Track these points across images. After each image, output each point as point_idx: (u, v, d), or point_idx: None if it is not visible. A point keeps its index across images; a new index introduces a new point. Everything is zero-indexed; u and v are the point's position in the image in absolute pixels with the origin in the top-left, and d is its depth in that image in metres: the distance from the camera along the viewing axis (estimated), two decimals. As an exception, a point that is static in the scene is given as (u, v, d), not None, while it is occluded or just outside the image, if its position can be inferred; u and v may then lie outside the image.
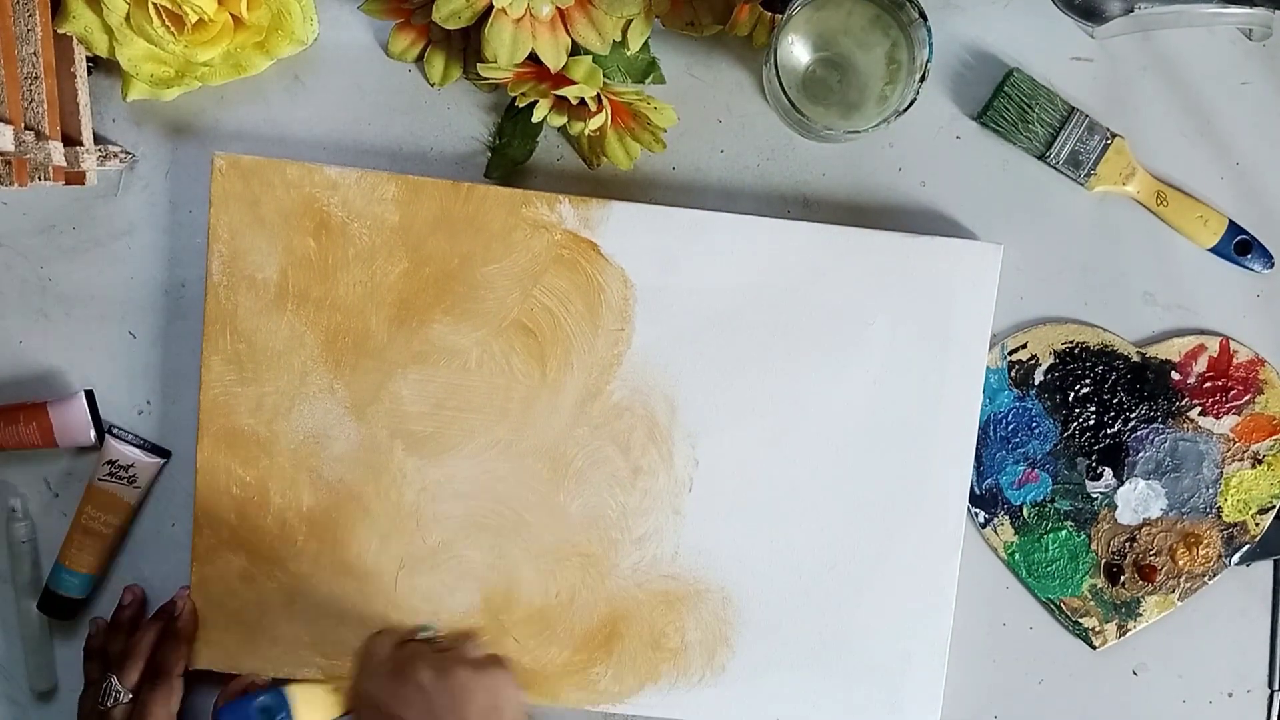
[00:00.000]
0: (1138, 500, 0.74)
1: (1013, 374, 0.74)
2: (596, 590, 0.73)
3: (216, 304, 0.71)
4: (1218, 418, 0.74)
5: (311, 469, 0.72)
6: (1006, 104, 0.72)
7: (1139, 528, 0.74)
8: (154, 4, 0.64)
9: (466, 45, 0.71)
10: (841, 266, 0.71)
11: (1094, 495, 0.74)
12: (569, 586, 0.73)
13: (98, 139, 0.72)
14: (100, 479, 0.73)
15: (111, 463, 0.72)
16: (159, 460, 0.74)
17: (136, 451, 0.73)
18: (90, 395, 0.73)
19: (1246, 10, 0.71)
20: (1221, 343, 0.74)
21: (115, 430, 0.74)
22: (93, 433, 0.73)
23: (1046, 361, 0.74)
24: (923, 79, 0.64)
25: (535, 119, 0.66)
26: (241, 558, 0.72)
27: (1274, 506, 0.75)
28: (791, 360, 0.72)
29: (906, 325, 0.71)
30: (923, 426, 0.72)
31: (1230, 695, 0.76)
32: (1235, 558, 0.75)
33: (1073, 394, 0.74)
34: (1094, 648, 0.75)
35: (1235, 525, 0.75)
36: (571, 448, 0.72)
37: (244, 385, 0.71)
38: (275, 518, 0.72)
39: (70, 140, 0.69)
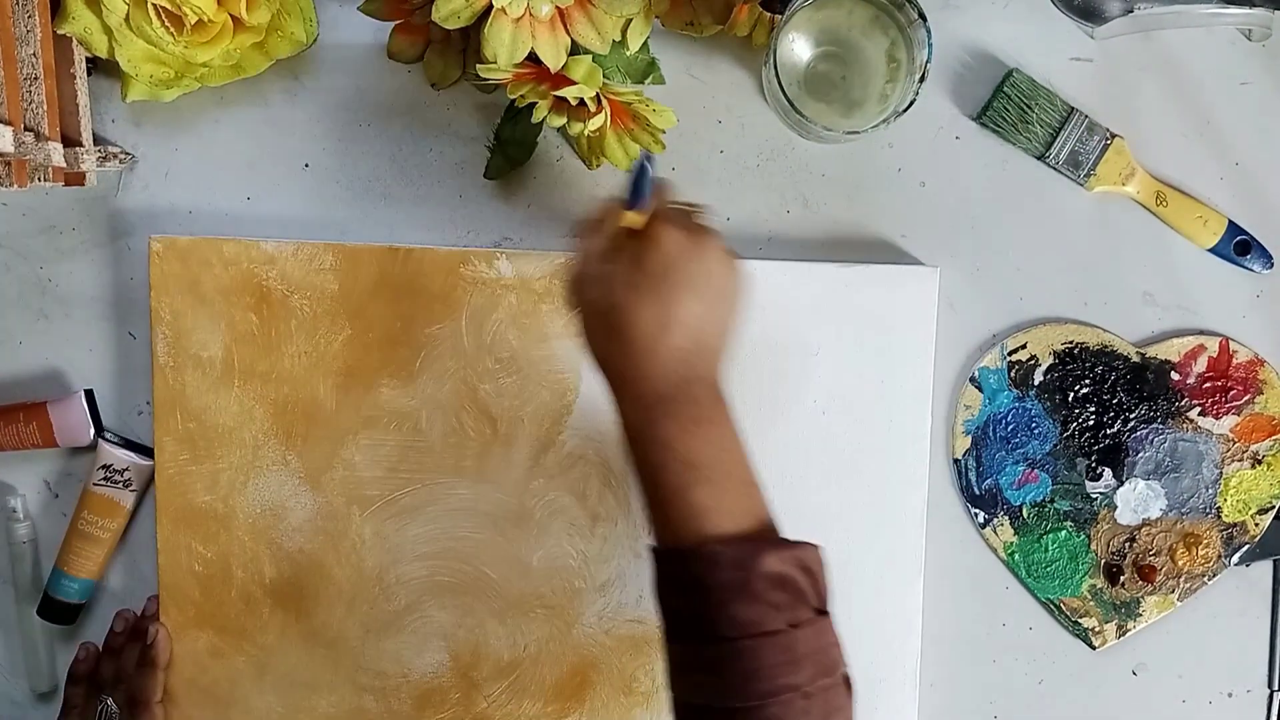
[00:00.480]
0: (1137, 500, 0.74)
1: (1012, 374, 0.74)
2: (563, 640, 0.73)
3: (164, 385, 0.71)
4: (1217, 418, 0.74)
5: (271, 541, 0.72)
6: (1006, 104, 0.72)
7: (1139, 528, 0.74)
8: (154, 4, 0.64)
9: (466, 45, 0.71)
10: (782, 301, 0.71)
11: (1094, 495, 0.74)
12: (536, 639, 0.73)
13: (97, 140, 0.72)
14: (95, 484, 0.72)
15: (106, 467, 0.72)
16: (153, 462, 0.74)
17: (130, 454, 0.73)
18: (90, 395, 0.73)
19: (1246, 10, 0.71)
20: (1221, 343, 0.74)
21: (107, 435, 0.74)
22: (92, 432, 0.73)
23: (1046, 362, 0.74)
24: (922, 79, 0.64)
25: (535, 120, 0.66)
26: (210, 634, 0.72)
27: (1273, 506, 0.75)
28: (740, 397, 0.71)
29: (850, 354, 0.71)
30: (874, 455, 0.72)
31: (1230, 695, 0.76)
32: (1235, 558, 0.75)
33: (1072, 394, 0.74)
34: (1094, 648, 0.75)
35: (1235, 525, 0.75)
36: (529, 500, 0.72)
37: (198, 463, 0.71)
38: (239, 592, 0.72)
39: (70, 141, 0.69)
